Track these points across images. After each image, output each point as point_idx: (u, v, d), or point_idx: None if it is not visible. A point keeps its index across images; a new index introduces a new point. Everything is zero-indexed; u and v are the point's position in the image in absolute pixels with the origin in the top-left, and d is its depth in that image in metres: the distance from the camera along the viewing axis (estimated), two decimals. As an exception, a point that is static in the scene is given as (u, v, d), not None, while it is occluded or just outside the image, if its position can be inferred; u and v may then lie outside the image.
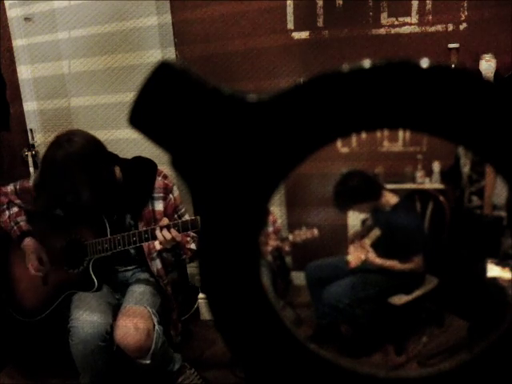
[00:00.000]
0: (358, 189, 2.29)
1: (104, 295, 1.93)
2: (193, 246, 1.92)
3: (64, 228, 1.96)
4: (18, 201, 1.99)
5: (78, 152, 1.65)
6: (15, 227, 1.97)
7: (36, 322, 2.01)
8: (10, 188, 2.00)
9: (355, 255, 2.26)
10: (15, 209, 2.00)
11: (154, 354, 1.80)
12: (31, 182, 1.96)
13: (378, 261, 2.27)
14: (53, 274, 1.98)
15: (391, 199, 2.33)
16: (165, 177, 1.92)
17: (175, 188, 1.95)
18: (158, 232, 1.76)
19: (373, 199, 2.30)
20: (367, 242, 2.28)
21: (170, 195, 1.92)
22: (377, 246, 2.28)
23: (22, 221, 1.98)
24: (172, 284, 2.03)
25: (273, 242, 2.27)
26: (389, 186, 2.48)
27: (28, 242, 1.94)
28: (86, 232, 1.90)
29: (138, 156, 1.97)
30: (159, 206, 1.90)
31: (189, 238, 1.92)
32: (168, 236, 1.74)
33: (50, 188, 1.73)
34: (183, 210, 1.96)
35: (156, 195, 1.90)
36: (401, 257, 2.27)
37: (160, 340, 1.83)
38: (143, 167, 1.93)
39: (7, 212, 1.99)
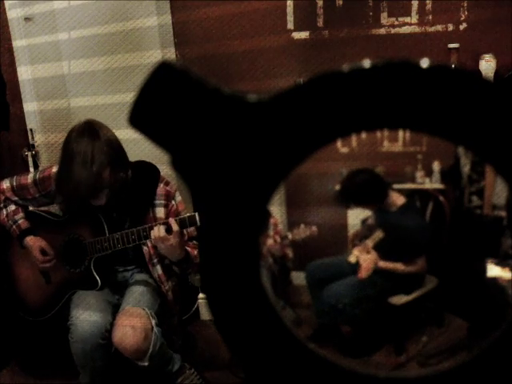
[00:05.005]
0: (365, 189, 2.28)
1: (103, 294, 1.94)
2: None
3: (62, 227, 1.96)
4: (14, 198, 1.97)
5: (105, 144, 1.68)
6: (14, 226, 1.96)
7: (40, 322, 2.01)
8: (5, 185, 1.97)
9: (365, 266, 2.24)
10: (12, 206, 1.98)
11: (151, 356, 1.79)
12: (29, 179, 1.94)
13: (382, 264, 2.26)
14: (55, 273, 1.98)
15: (397, 200, 2.31)
16: (167, 183, 1.92)
17: (177, 193, 1.94)
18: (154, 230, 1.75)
19: (378, 201, 2.29)
20: (370, 243, 2.27)
21: (173, 201, 1.92)
22: (379, 247, 2.27)
23: (20, 219, 1.97)
24: (173, 287, 2.03)
25: (275, 245, 2.26)
26: (389, 186, 2.47)
27: (29, 239, 1.94)
28: (84, 231, 1.90)
29: (140, 160, 1.96)
30: (160, 212, 1.89)
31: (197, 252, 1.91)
32: (161, 233, 1.72)
33: (69, 177, 1.70)
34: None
35: (157, 202, 1.90)
36: (404, 258, 2.27)
37: (158, 342, 1.81)
38: (146, 173, 1.92)
39: (4, 211, 1.97)
